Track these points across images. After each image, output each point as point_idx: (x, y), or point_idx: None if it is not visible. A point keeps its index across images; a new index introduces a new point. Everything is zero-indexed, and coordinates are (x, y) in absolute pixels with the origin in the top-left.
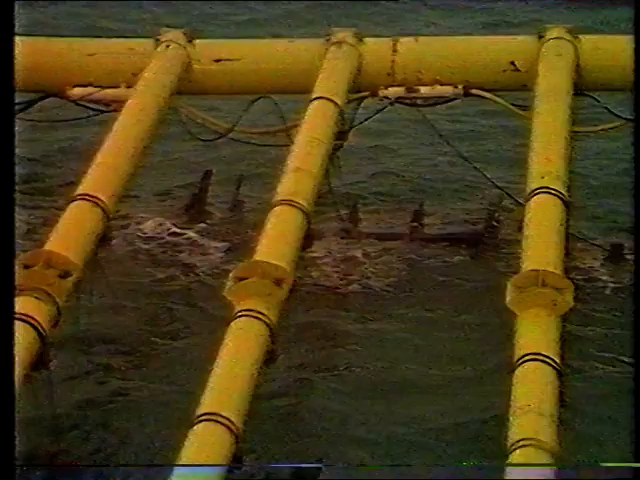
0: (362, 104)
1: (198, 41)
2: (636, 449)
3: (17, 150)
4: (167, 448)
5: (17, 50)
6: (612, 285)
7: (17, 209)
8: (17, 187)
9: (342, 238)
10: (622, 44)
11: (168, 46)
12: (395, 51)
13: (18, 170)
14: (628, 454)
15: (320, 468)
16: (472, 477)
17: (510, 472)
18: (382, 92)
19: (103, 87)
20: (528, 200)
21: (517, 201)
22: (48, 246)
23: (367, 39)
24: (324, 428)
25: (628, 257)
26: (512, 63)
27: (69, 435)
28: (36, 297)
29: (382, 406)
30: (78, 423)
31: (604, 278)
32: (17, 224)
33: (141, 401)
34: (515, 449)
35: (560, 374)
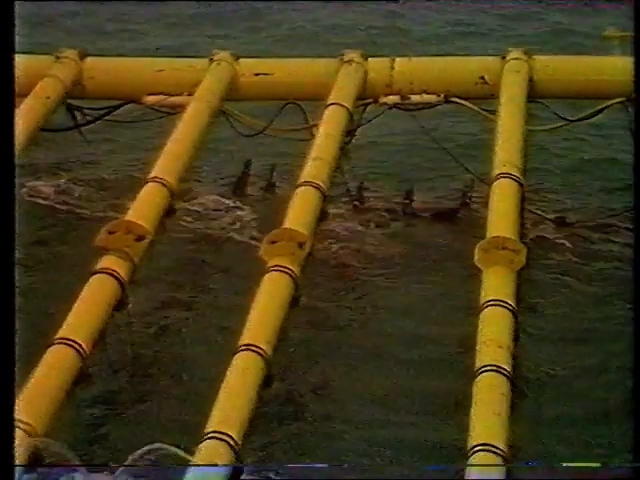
0: (367, 109)
1: (242, 60)
2: (636, 449)
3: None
4: (216, 368)
5: (104, 67)
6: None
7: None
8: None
9: (352, 209)
10: (567, 62)
11: (219, 64)
12: (393, 68)
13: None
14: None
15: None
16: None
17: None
18: (382, 99)
19: (170, 95)
20: (492, 183)
21: (485, 183)
22: (127, 217)
23: (371, 58)
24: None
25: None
26: (482, 78)
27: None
28: (118, 256)
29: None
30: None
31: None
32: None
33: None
34: (480, 373)
35: (515, 316)
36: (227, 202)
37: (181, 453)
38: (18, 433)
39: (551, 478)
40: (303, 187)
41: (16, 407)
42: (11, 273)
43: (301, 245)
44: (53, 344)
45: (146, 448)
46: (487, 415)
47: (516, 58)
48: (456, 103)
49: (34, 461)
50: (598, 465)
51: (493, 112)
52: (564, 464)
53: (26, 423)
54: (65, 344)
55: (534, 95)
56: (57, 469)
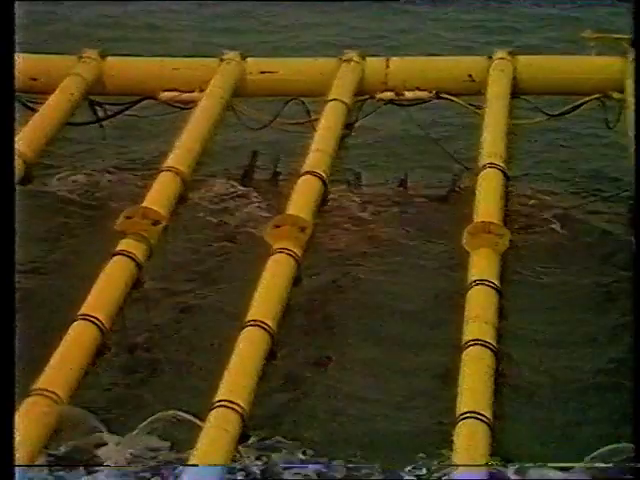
0: (364, 104)
1: (249, 59)
2: (636, 449)
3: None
4: (225, 339)
5: (123, 66)
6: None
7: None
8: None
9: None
10: (548, 61)
11: (228, 63)
12: (388, 67)
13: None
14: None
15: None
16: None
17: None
18: (378, 95)
19: (183, 91)
20: (479, 172)
21: (472, 172)
22: (144, 203)
23: (368, 58)
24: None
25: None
26: (470, 76)
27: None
28: (135, 239)
29: None
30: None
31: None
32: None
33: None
34: (467, 347)
35: (500, 294)
36: (235, 189)
37: (193, 419)
38: (45, 401)
39: (550, 478)
40: (305, 176)
41: (43, 377)
42: (11, 271)
43: (303, 229)
44: (76, 320)
45: (159, 414)
46: (473, 385)
47: (501, 58)
48: (446, 99)
49: (60, 428)
50: (598, 465)
51: (480, 107)
52: (562, 464)
53: (52, 392)
54: (87, 320)
55: (518, 92)
56: (57, 469)
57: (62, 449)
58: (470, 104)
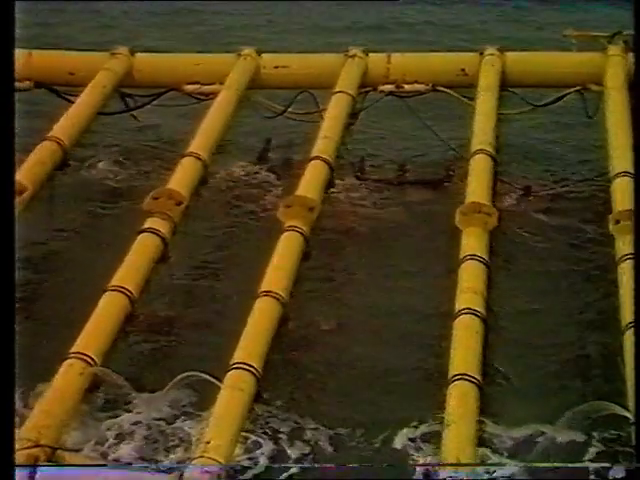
0: (367, 96)
1: (264, 55)
2: (636, 449)
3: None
4: (241, 308)
5: (151, 61)
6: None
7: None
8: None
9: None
10: (534, 57)
11: (245, 58)
12: (389, 62)
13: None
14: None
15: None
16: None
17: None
18: (380, 88)
19: (205, 84)
20: (471, 157)
21: (465, 158)
22: (169, 185)
23: (371, 53)
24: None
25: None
26: (463, 70)
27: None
28: (161, 217)
29: None
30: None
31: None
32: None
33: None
34: (458, 316)
35: (489, 268)
36: (250, 173)
37: (211, 379)
38: (80, 364)
39: (549, 478)
40: (314, 161)
41: (78, 342)
42: (11, 267)
43: (311, 209)
44: (107, 290)
45: (182, 375)
46: (464, 350)
47: (491, 54)
48: (442, 91)
49: (93, 387)
50: (598, 465)
51: (472, 99)
52: (562, 464)
53: (86, 355)
54: (117, 290)
55: (506, 85)
56: (57, 469)
57: (98, 402)
58: (463, 96)
